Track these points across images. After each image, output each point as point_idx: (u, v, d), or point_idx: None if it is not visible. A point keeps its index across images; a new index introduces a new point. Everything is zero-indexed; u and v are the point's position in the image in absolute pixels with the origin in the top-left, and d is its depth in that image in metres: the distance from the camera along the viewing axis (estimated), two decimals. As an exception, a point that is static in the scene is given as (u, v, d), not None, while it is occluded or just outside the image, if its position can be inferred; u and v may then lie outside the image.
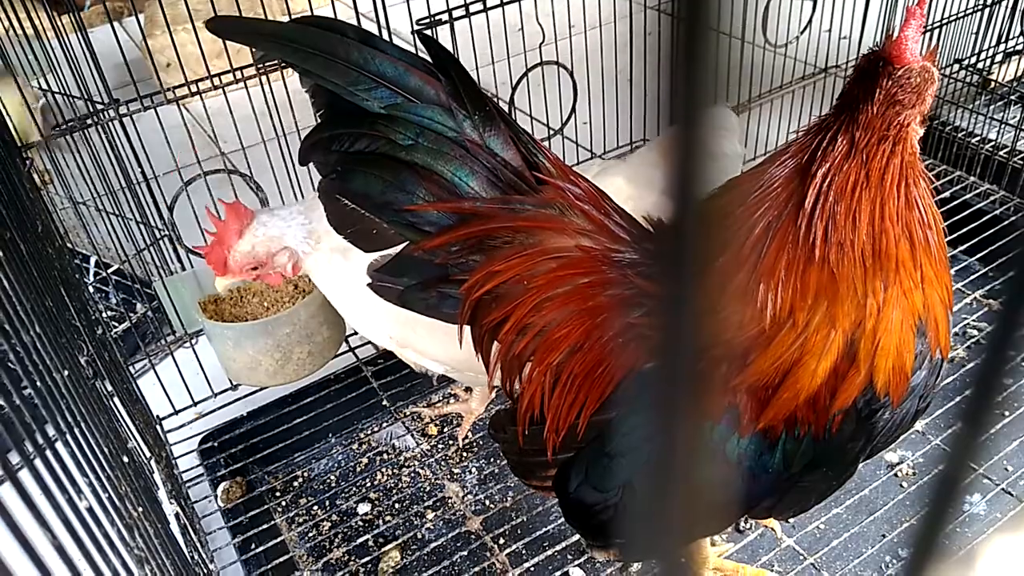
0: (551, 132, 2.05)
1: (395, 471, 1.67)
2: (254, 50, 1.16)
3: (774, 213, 0.93)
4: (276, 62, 1.53)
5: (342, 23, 1.07)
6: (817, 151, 0.91)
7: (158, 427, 1.68)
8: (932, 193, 0.95)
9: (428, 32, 1.70)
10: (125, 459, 1.14)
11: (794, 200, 0.92)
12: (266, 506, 1.58)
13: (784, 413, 0.94)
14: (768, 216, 0.93)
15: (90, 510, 0.80)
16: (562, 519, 1.43)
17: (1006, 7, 2.19)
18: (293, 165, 1.73)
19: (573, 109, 2.01)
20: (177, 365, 1.72)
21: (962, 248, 1.91)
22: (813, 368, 0.91)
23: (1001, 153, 2.07)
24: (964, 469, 0.25)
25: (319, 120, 1.09)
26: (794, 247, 0.91)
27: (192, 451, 1.68)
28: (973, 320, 1.80)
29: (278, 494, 1.66)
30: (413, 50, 1.10)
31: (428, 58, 1.04)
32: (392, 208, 1.05)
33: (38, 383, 0.80)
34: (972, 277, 1.86)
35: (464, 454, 1.69)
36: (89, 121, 1.65)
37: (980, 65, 2.30)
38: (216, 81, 1.68)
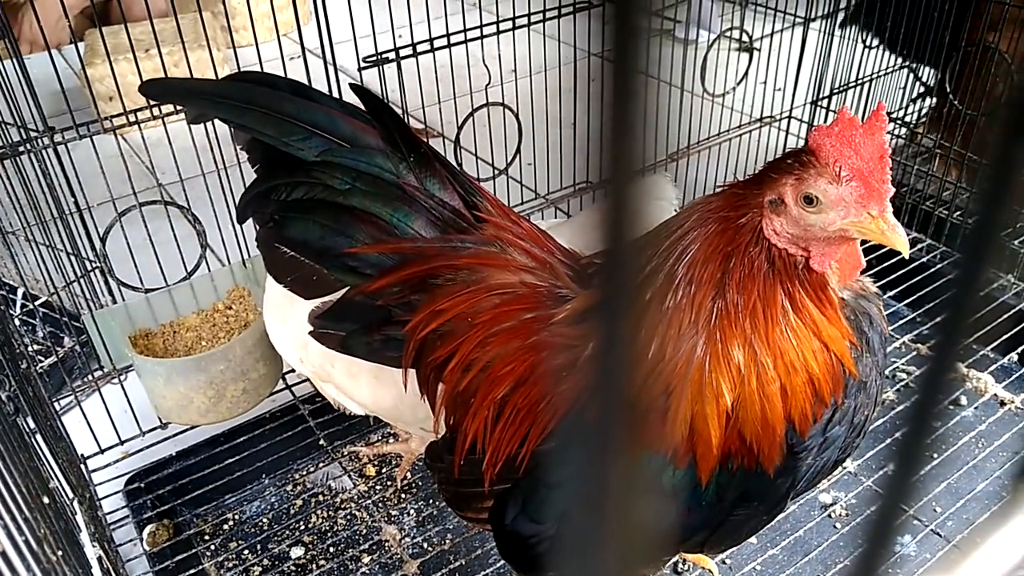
0: (496, 172, 2.06)
1: (331, 513, 1.63)
2: (187, 111, 1.15)
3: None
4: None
5: (273, 76, 1.08)
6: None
7: (82, 466, 1.61)
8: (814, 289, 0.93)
9: (375, 69, 1.70)
10: (45, 500, 1.08)
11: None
12: (194, 550, 1.52)
13: (714, 449, 0.94)
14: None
15: (3, 555, 0.76)
16: (501, 562, 1.41)
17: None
18: (233, 198, 1.70)
19: (518, 150, 2.03)
20: (104, 402, 1.65)
21: (891, 294, 1.98)
22: (710, 420, 0.92)
23: (927, 203, 2.16)
24: (897, 510, 0.25)
25: (255, 175, 1.09)
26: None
27: (118, 492, 1.61)
28: (902, 364, 1.85)
29: (207, 537, 1.60)
30: (359, 83, 1.11)
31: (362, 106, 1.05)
32: (332, 253, 1.04)
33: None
34: (901, 322, 1.92)
35: (402, 495, 1.66)
36: (22, 148, 1.60)
37: (908, 119, 2.40)
38: (156, 111, 1.65)
